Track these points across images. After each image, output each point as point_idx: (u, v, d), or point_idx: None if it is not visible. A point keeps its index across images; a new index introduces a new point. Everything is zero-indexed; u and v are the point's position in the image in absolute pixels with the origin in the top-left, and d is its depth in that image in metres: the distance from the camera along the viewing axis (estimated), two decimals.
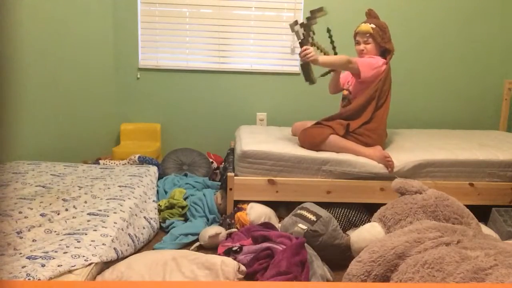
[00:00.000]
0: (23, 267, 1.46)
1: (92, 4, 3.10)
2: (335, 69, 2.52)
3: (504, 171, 2.40)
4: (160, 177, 2.81)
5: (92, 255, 1.60)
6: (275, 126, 3.21)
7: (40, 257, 1.53)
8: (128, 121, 3.39)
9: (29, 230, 1.75)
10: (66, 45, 2.97)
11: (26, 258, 1.52)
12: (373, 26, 2.38)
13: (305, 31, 2.34)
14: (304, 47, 2.25)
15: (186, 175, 2.90)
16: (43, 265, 1.48)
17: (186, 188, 2.59)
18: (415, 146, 2.59)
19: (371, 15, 2.47)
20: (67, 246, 1.62)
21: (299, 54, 2.27)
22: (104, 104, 3.30)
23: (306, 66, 2.32)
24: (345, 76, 2.60)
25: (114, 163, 2.90)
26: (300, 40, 2.35)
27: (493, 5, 3.33)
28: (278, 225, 2.13)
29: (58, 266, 1.49)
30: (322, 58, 2.27)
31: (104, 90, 3.28)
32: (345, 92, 2.56)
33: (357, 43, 2.46)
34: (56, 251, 1.58)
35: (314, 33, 2.38)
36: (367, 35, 2.39)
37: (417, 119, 3.47)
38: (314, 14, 2.34)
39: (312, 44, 2.37)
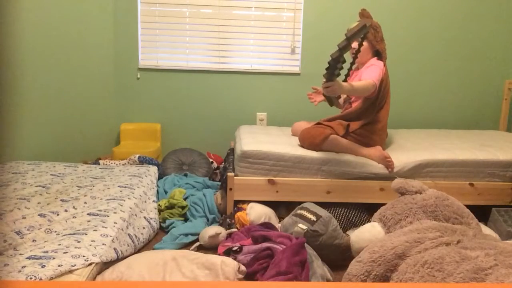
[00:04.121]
0: (23, 267, 1.46)
1: (92, 5, 3.10)
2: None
3: (504, 171, 2.40)
4: (160, 177, 2.81)
5: (92, 255, 1.60)
6: (275, 126, 3.21)
7: (40, 257, 1.53)
8: (128, 121, 3.39)
9: (28, 230, 1.75)
10: (66, 45, 2.97)
11: (26, 258, 1.52)
12: None
13: (331, 65, 1.98)
14: (326, 84, 2.03)
15: (186, 175, 2.90)
16: (43, 265, 1.48)
17: (186, 188, 2.59)
18: (415, 146, 2.59)
19: (364, 15, 2.46)
20: (67, 246, 1.62)
21: (322, 87, 2.08)
22: (104, 104, 3.30)
23: (329, 96, 2.22)
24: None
25: (114, 163, 2.90)
26: (325, 73, 2.03)
27: (493, 5, 3.33)
28: (278, 225, 2.13)
29: (59, 266, 1.49)
30: (347, 87, 2.10)
31: (104, 90, 3.28)
32: (345, 96, 2.56)
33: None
34: (56, 251, 1.58)
35: (343, 64, 2.03)
36: None
37: (417, 119, 3.47)
38: (346, 47, 1.95)
39: (338, 75, 2.06)
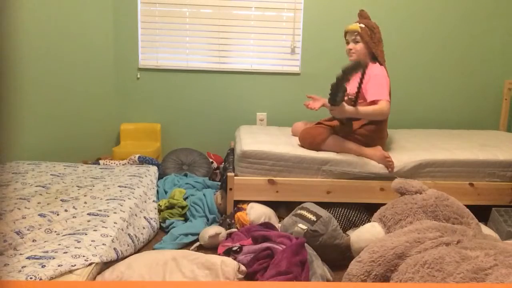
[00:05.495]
0: (23, 267, 1.46)
1: (92, 4, 3.10)
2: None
3: (504, 171, 2.40)
4: (160, 177, 2.81)
5: (92, 255, 1.60)
6: (275, 126, 3.21)
7: (40, 257, 1.53)
8: (128, 121, 3.39)
9: (28, 230, 1.75)
10: (66, 45, 2.97)
11: (26, 258, 1.52)
12: (362, 25, 2.37)
13: (332, 90, 2.12)
14: (330, 108, 2.21)
15: (186, 175, 2.90)
16: (43, 265, 1.48)
17: (186, 188, 2.59)
18: (416, 146, 2.59)
19: (362, 16, 2.47)
20: (67, 246, 1.62)
21: (328, 109, 2.26)
22: (104, 104, 3.30)
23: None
24: None
25: (114, 163, 2.90)
26: (329, 97, 2.16)
27: (493, 5, 3.33)
28: (278, 225, 2.13)
29: (59, 266, 1.49)
30: (353, 112, 2.24)
31: (104, 90, 3.28)
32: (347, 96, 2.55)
33: (347, 42, 2.47)
34: (56, 251, 1.58)
35: (344, 92, 2.17)
36: (355, 33, 2.39)
37: (417, 119, 3.47)
38: (347, 74, 2.07)
39: (342, 100, 2.19)
